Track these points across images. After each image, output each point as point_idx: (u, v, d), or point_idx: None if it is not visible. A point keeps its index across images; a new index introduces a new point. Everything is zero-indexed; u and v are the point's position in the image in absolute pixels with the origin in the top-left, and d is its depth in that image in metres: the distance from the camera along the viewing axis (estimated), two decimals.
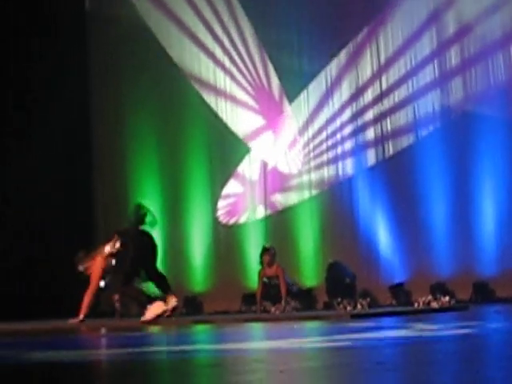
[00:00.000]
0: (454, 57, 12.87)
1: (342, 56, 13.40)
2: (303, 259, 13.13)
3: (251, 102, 13.84)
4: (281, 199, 13.59)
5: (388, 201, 12.88)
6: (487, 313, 9.33)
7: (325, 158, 13.49)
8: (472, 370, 3.36)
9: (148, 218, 10.25)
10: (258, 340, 6.41)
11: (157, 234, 11.07)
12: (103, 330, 8.99)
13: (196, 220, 13.42)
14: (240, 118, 13.84)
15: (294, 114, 13.64)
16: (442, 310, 10.21)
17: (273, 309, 11.21)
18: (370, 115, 13.26)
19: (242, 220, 13.67)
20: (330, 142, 13.47)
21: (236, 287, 12.93)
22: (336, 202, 13.29)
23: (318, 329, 7.53)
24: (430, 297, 11.15)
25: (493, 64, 12.64)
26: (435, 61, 12.95)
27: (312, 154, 13.54)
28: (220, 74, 13.95)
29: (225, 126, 13.81)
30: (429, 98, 12.95)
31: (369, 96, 13.29)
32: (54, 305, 12.38)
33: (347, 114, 13.38)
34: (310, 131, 13.57)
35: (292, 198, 13.52)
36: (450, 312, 9.77)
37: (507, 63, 12.55)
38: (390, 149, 13.13)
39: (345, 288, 11.92)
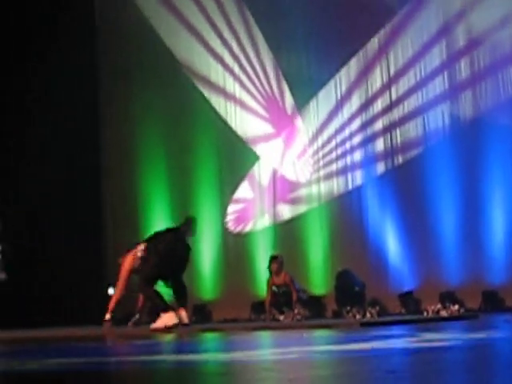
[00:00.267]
0: (463, 69, 12.87)
1: (352, 66, 13.40)
2: (312, 267, 13.12)
3: (260, 109, 13.84)
4: (290, 208, 13.58)
5: (397, 209, 12.86)
6: (497, 322, 9.29)
7: (334, 166, 13.49)
8: (482, 380, 3.35)
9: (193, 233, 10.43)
10: (267, 348, 6.40)
11: None
12: (110, 338, 8.99)
13: (205, 228, 13.39)
14: (249, 126, 13.85)
15: (304, 122, 13.65)
16: (451, 318, 10.19)
17: (282, 317, 11.21)
18: (379, 125, 13.26)
19: (251, 228, 13.66)
20: (339, 151, 13.47)
21: (245, 295, 12.92)
22: (345, 210, 13.29)
23: (328, 337, 7.51)
24: (439, 305, 11.13)
25: (503, 76, 12.65)
26: (445, 72, 12.96)
27: (321, 163, 13.53)
28: (229, 80, 13.96)
29: (234, 133, 13.82)
30: (438, 109, 12.94)
31: (378, 106, 13.29)
32: (63, 309, 12.43)
33: (357, 123, 13.38)
34: (320, 140, 13.57)
35: (301, 207, 13.52)
36: (460, 321, 9.74)
37: None
38: (400, 158, 13.12)
39: (354, 296, 11.91)
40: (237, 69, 13.94)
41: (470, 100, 12.84)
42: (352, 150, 13.38)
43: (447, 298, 11.70)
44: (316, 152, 13.57)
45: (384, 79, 13.27)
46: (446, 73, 12.97)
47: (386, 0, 13.26)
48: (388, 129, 13.20)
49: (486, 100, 12.75)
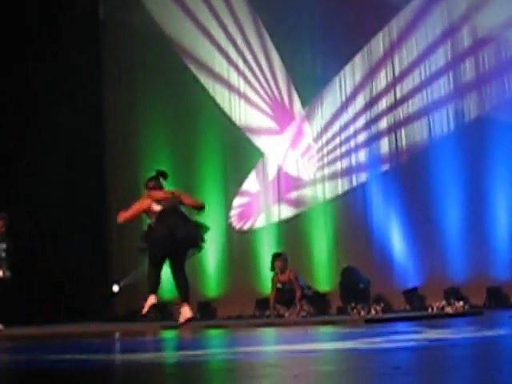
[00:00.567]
0: (469, 68, 12.86)
1: (357, 63, 13.39)
2: (317, 264, 13.12)
3: (265, 106, 13.84)
4: (294, 205, 13.58)
5: (402, 206, 12.85)
6: (501, 318, 9.29)
7: (338, 163, 13.47)
8: (486, 375, 3.36)
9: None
10: (271, 345, 6.41)
11: None
12: (117, 334, 9.00)
13: (210, 226, 13.41)
14: (254, 123, 13.84)
15: (308, 119, 13.64)
16: (456, 315, 10.18)
17: (286, 314, 11.21)
18: (384, 122, 13.25)
19: (255, 225, 13.67)
20: (344, 149, 13.46)
21: (249, 292, 12.93)
22: (350, 207, 13.28)
23: (332, 334, 7.52)
24: (443, 302, 11.14)
25: (508, 77, 12.66)
26: (450, 73, 12.96)
27: (326, 160, 13.52)
28: (234, 75, 13.95)
29: (239, 131, 13.82)
30: (443, 107, 12.93)
31: (383, 104, 13.28)
32: (67, 306, 12.46)
33: (362, 120, 13.36)
34: (324, 138, 13.56)
35: (305, 204, 13.51)
36: (464, 317, 9.74)
37: None
38: (404, 155, 13.12)
39: (359, 293, 11.92)
40: (241, 65, 13.93)
41: (475, 98, 12.82)
42: (357, 147, 13.36)
43: (452, 294, 11.70)
44: (320, 149, 13.56)
45: (389, 77, 13.25)
46: (451, 73, 12.96)
47: None
48: (393, 126, 13.18)
49: (490, 99, 12.74)
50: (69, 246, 12.99)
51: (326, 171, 13.47)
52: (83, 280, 12.94)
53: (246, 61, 13.89)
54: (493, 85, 12.74)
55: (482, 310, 10.56)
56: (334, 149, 13.48)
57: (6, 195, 12.00)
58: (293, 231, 13.34)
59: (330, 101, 13.53)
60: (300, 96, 13.63)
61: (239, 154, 13.76)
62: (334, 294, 12.48)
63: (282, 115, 13.73)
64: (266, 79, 13.80)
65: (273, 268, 11.70)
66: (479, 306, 11.53)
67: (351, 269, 12.39)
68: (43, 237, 12.87)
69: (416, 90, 13.07)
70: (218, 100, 13.92)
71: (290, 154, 13.61)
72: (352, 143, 13.37)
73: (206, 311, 12.92)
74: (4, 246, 10.78)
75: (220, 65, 13.99)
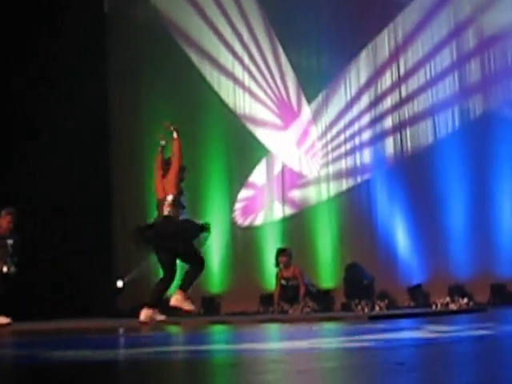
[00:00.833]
0: (474, 68, 12.85)
1: (363, 60, 13.38)
2: (321, 261, 13.12)
3: (270, 103, 13.83)
4: (298, 201, 13.58)
5: (406, 202, 12.85)
6: (505, 315, 9.28)
7: (343, 160, 13.47)
8: (490, 372, 3.35)
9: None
10: (275, 341, 6.41)
11: None
12: (121, 330, 9.01)
13: (213, 221, 13.40)
14: (259, 120, 13.83)
15: (313, 116, 13.63)
16: (460, 311, 10.18)
17: (290, 310, 11.21)
18: (389, 120, 13.24)
19: (259, 221, 13.67)
20: (348, 146, 13.45)
21: (253, 288, 12.93)
22: (354, 203, 13.28)
23: (336, 330, 7.52)
24: (448, 299, 11.13)
25: None
26: (455, 72, 12.95)
27: (330, 157, 13.52)
28: (239, 69, 13.94)
29: (243, 127, 13.81)
30: (448, 105, 12.92)
31: (388, 102, 13.26)
32: (71, 302, 12.46)
33: (367, 117, 13.36)
34: (329, 134, 13.55)
35: (309, 200, 13.51)
36: (468, 314, 9.73)
37: None
38: (409, 151, 13.11)
39: (363, 289, 11.91)
40: (247, 60, 13.91)
41: (481, 97, 12.81)
42: (361, 144, 13.36)
43: (456, 291, 11.70)
44: (325, 146, 13.55)
45: (394, 74, 13.23)
46: (456, 72, 12.96)
47: None
48: (398, 124, 13.17)
49: (496, 98, 12.72)
50: (73, 241, 13.00)
51: (331, 168, 13.47)
52: (87, 276, 12.94)
53: (251, 56, 13.88)
54: (498, 85, 12.72)
55: (486, 307, 10.55)
56: (339, 146, 13.48)
57: (9, 190, 12.01)
58: (297, 228, 13.34)
59: (335, 98, 13.53)
60: (305, 93, 13.62)
61: (244, 151, 13.76)
62: (338, 291, 12.48)
63: (287, 112, 13.73)
64: (273, 76, 13.79)
65: (277, 264, 11.70)
66: (483, 303, 11.52)
67: (355, 265, 12.39)
68: (46, 232, 12.87)
69: (421, 88, 13.06)
70: (223, 96, 13.91)
71: (294, 151, 13.61)
72: (357, 140, 13.37)
73: (210, 307, 12.93)
74: (11, 241, 10.75)
75: (226, 60, 13.98)
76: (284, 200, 13.57)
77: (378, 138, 13.27)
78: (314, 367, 3.82)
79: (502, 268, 12.11)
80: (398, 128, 13.15)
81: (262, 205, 13.69)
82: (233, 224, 13.70)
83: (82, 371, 3.97)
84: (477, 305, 11.17)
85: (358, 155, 13.39)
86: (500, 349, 4.48)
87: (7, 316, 10.28)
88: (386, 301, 11.37)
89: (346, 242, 13.06)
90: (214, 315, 12.26)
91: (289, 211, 13.56)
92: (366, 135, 13.33)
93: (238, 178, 13.76)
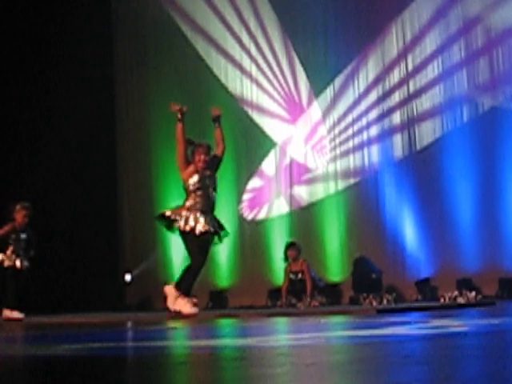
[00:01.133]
0: (482, 65, 12.83)
1: (370, 54, 13.36)
2: (329, 254, 13.13)
3: (278, 96, 13.83)
4: (306, 194, 13.59)
5: (414, 196, 12.85)
6: None
7: (351, 154, 13.47)
8: (498, 365, 3.35)
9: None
10: (283, 334, 6.42)
11: None
12: (129, 324, 9.03)
13: (221, 215, 13.43)
14: (267, 113, 13.84)
15: (321, 111, 13.62)
16: (468, 305, 10.17)
17: (299, 304, 11.23)
18: (397, 114, 13.23)
19: (267, 215, 13.68)
20: (356, 140, 13.45)
21: (261, 282, 12.95)
22: (362, 197, 13.29)
23: (345, 323, 7.52)
24: (456, 292, 11.12)
25: None
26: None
27: (338, 151, 13.52)
28: (246, 62, 13.95)
29: (251, 121, 13.81)
30: (457, 98, 12.90)
31: (396, 97, 13.25)
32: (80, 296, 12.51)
33: (375, 112, 13.35)
34: (337, 128, 13.55)
35: (317, 193, 13.52)
36: (477, 308, 9.73)
37: None
38: (417, 144, 13.10)
39: (371, 283, 11.93)
40: (254, 52, 13.92)
41: (489, 92, 12.79)
42: (369, 139, 13.36)
43: (464, 284, 11.69)
44: (333, 139, 13.56)
45: (402, 70, 13.21)
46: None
47: None
48: (406, 119, 13.16)
49: (504, 93, 12.69)
50: (81, 235, 13.04)
51: (339, 162, 13.47)
52: (96, 270, 12.99)
53: (259, 49, 13.89)
54: (507, 81, 12.70)
55: (494, 301, 10.55)
56: (347, 139, 13.47)
57: (18, 186, 12.05)
58: (305, 221, 13.36)
59: (343, 93, 13.52)
60: (313, 87, 13.62)
61: (251, 144, 13.78)
62: (347, 284, 12.50)
63: (295, 106, 13.73)
64: (281, 70, 13.79)
65: (286, 258, 11.72)
66: (491, 297, 11.52)
67: (363, 259, 12.41)
68: (55, 227, 12.92)
69: (430, 84, 13.03)
70: (231, 89, 13.93)
71: (302, 145, 13.61)
72: (365, 135, 13.37)
73: (218, 300, 12.96)
74: (25, 236, 10.74)
75: (234, 51, 13.99)
76: (292, 194, 13.58)
77: (386, 133, 13.27)
78: (323, 360, 3.82)
79: (510, 261, 12.10)
80: (407, 123, 13.14)
81: (270, 198, 13.71)
82: (241, 218, 13.71)
83: (91, 364, 3.99)
84: (485, 298, 11.16)
85: (366, 150, 13.39)
86: (508, 342, 4.48)
87: (21, 311, 10.32)
88: (394, 294, 11.38)
89: (354, 236, 13.07)
90: (222, 309, 12.29)
91: (297, 205, 13.57)
92: (375, 130, 13.33)
93: (245, 171, 13.78)
